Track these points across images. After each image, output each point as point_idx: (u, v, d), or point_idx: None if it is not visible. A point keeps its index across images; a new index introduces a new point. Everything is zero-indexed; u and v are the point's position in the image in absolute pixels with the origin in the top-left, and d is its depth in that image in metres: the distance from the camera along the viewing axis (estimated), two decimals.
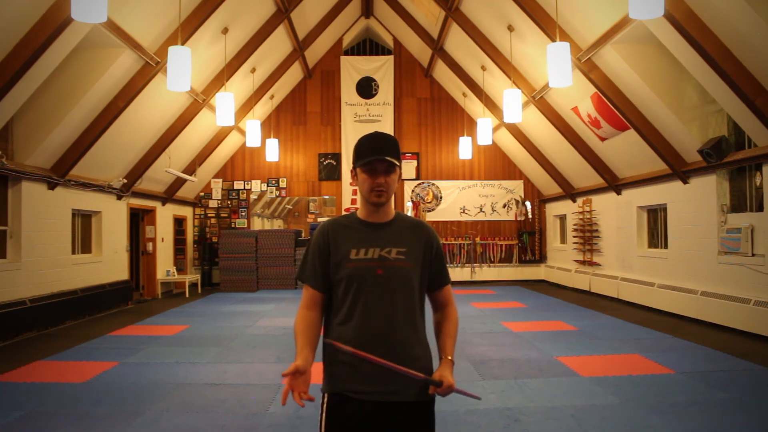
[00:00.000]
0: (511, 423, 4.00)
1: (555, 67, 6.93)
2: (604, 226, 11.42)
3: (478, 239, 14.35)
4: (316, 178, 14.51)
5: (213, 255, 13.85)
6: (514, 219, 14.46)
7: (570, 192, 12.68)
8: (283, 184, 14.46)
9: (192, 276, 12.95)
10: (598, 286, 11.27)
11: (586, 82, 8.66)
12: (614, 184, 10.62)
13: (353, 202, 14.21)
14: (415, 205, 13.70)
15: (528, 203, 14.46)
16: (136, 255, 11.90)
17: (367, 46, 14.78)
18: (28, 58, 6.01)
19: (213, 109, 10.56)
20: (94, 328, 8.01)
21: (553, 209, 14.18)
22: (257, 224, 14.42)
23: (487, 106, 12.31)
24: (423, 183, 14.49)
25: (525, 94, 10.35)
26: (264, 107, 13.80)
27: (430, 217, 14.26)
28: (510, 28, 9.44)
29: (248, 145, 11.77)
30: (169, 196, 12.37)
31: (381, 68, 14.44)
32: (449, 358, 1.92)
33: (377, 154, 1.88)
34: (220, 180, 14.38)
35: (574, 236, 12.55)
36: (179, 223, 13.49)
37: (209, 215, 14.34)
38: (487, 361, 5.88)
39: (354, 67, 14.45)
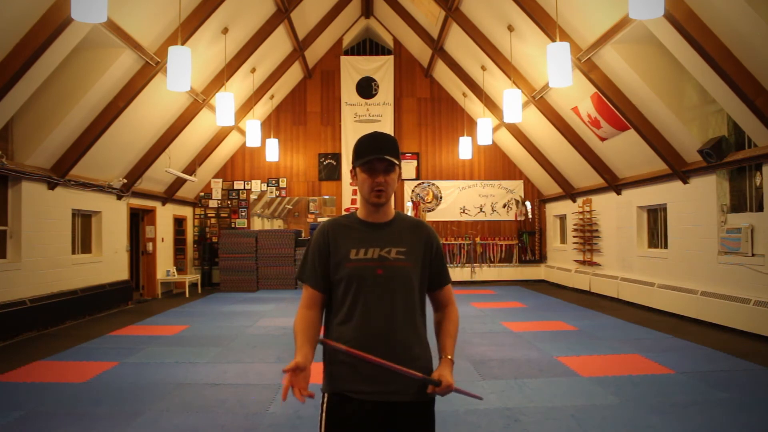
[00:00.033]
0: (511, 423, 4.00)
1: (555, 67, 6.93)
2: (604, 226, 11.42)
3: (478, 239, 14.35)
4: (316, 178, 14.51)
5: (213, 255, 13.85)
6: (514, 219, 14.46)
7: (570, 192, 12.68)
8: (283, 184, 14.46)
9: (192, 276, 12.95)
10: (598, 286, 11.27)
11: (586, 82, 8.66)
12: (614, 184, 10.62)
13: (353, 202, 14.21)
14: (415, 205, 13.70)
15: (528, 203, 14.46)
16: (136, 255, 11.90)
17: (367, 46, 14.78)
18: (28, 58, 6.02)
19: (213, 109, 10.56)
20: (94, 328, 8.01)
21: (553, 209, 14.18)
22: (257, 224, 14.42)
23: (487, 106, 12.32)
24: (423, 183, 14.49)
25: (525, 94, 10.35)
26: (264, 107, 13.80)
27: (430, 217, 14.26)
28: (510, 28, 9.44)
29: (248, 145, 11.77)
30: (169, 196, 12.37)
31: (381, 68, 14.44)
32: (449, 357, 1.92)
33: (376, 153, 1.88)
34: (220, 180, 14.38)
35: (574, 236, 12.55)
36: (179, 223, 13.50)
37: (209, 215, 14.34)
38: (487, 361, 5.88)
39: (354, 67, 14.45)
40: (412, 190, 14.44)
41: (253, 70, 11.51)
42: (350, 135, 14.21)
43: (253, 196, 14.43)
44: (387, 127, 14.15)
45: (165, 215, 12.50)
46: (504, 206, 14.48)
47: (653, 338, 6.98)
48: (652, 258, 9.64)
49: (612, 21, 7.25)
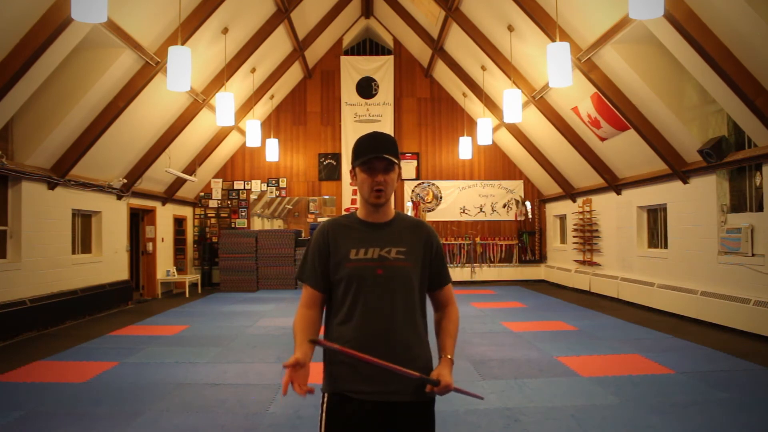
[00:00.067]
0: (511, 423, 4.00)
1: (555, 67, 6.93)
2: (604, 226, 11.42)
3: (478, 239, 14.35)
4: (316, 178, 14.51)
5: (213, 255, 13.86)
6: (514, 219, 14.46)
7: (570, 192, 12.68)
8: (283, 184, 14.46)
9: (192, 276, 12.95)
10: (598, 286, 11.27)
11: (586, 82, 8.66)
12: (614, 184, 10.62)
13: (353, 202, 14.21)
14: (415, 205, 13.71)
15: (528, 203, 14.46)
16: (136, 255, 11.90)
17: (367, 46, 14.78)
18: (28, 58, 6.02)
19: (213, 109, 10.56)
20: (94, 328, 8.01)
21: (553, 209, 14.18)
22: (257, 224, 14.42)
23: (487, 106, 12.31)
24: (423, 183, 14.49)
25: (525, 94, 10.35)
26: (264, 107, 13.80)
27: (430, 217, 14.26)
28: (510, 28, 9.44)
29: (248, 145, 11.77)
30: (169, 196, 12.37)
31: (381, 68, 14.44)
32: (449, 357, 1.92)
33: (376, 153, 1.88)
34: (220, 180, 14.38)
35: (574, 236, 12.55)
36: (179, 223, 13.50)
37: (209, 215, 14.35)
38: (487, 361, 5.88)
39: (354, 67, 14.45)
40: (412, 190, 14.44)
41: (253, 70, 11.51)
42: (350, 135, 14.20)
43: (253, 196, 14.43)
44: (387, 127, 14.15)
45: (165, 215, 12.50)
46: (504, 206, 14.48)
47: (653, 338, 6.98)
48: (652, 258, 9.64)
49: (612, 21, 7.25)
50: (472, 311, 9.47)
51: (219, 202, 14.38)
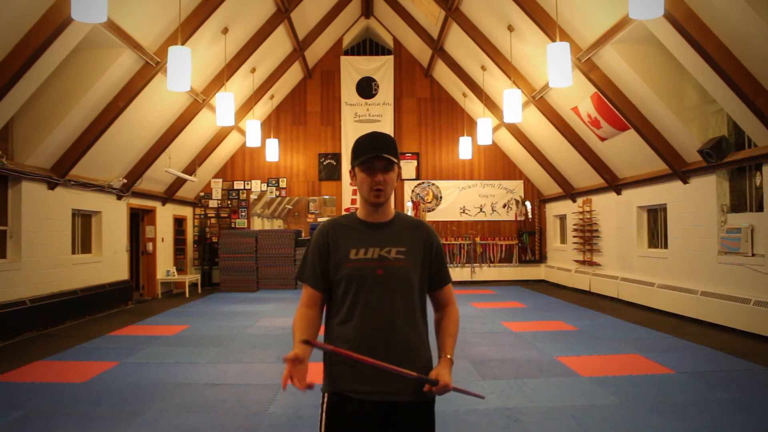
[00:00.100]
0: (511, 423, 4.00)
1: (555, 67, 6.93)
2: (604, 226, 11.42)
3: (478, 239, 14.35)
4: (316, 178, 14.52)
5: (213, 255, 13.86)
6: (514, 219, 14.46)
7: (570, 192, 12.68)
8: (283, 184, 14.46)
9: (192, 276, 12.95)
10: (598, 286, 11.27)
11: (586, 82, 8.66)
12: (614, 184, 10.62)
13: (353, 202, 14.22)
14: (415, 205, 13.71)
15: (528, 203, 14.46)
16: (136, 255, 11.90)
17: (367, 46, 14.78)
18: (28, 58, 6.02)
19: (213, 109, 10.56)
20: (94, 328, 8.01)
21: (553, 209, 14.18)
22: (257, 224, 14.42)
23: (487, 106, 12.31)
24: (423, 183, 14.49)
25: (525, 94, 10.35)
26: (264, 107, 13.80)
27: (430, 217, 14.26)
28: (510, 28, 9.44)
29: (248, 145, 11.77)
30: (169, 196, 12.37)
31: (381, 68, 14.44)
32: (448, 356, 1.91)
33: (375, 152, 1.88)
34: (220, 180, 14.38)
35: (574, 236, 12.55)
36: (179, 223, 13.50)
37: (209, 215, 14.35)
38: (487, 361, 5.88)
39: (354, 67, 14.45)
40: (412, 190, 14.44)
41: (253, 70, 11.51)
42: (350, 135, 14.20)
43: (253, 196, 14.43)
44: (387, 127, 14.15)
45: (165, 215, 12.50)
46: (504, 206, 14.48)
47: (653, 338, 6.98)
48: (652, 258, 9.64)
49: (612, 21, 7.25)
50: (472, 311, 9.47)
51: (219, 202, 14.38)
